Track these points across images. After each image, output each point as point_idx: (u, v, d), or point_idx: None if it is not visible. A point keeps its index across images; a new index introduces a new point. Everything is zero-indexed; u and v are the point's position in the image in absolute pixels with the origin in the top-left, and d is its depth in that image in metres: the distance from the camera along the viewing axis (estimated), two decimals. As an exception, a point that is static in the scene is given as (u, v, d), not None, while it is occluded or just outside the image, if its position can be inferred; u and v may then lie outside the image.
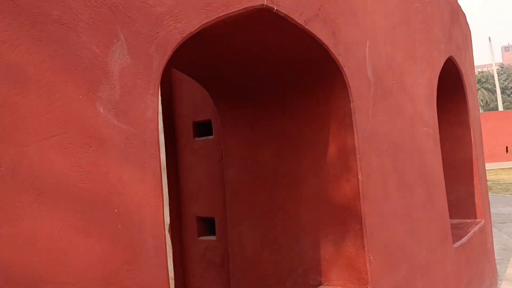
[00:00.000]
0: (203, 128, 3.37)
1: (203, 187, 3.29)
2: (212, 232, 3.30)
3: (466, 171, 4.16)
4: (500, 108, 57.62)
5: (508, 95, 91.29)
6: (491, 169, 20.31)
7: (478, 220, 4.13)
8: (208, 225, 3.36)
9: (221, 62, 2.45)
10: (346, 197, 2.36)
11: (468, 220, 4.15)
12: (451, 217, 3.97)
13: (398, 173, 2.65)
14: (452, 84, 4.03)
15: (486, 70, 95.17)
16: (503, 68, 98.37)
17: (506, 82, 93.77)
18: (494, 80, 61.92)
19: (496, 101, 63.57)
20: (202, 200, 3.29)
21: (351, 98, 2.33)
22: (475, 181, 4.13)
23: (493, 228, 7.01)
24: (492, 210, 8.99)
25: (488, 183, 15.73)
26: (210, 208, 3.24)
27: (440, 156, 3.25)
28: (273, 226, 2.69)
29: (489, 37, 60.79)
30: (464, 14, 4.40)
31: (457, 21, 4.00)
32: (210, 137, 3.25)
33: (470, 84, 4.35)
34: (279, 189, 2.68)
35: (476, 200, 4.13)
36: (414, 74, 3.00)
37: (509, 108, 72.51)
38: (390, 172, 2.58)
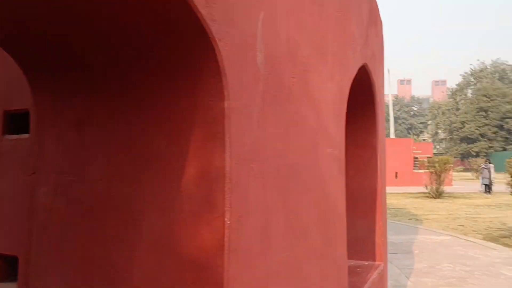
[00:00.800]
0: (18, 122, 2.28)
1: (6, 210, 2.19)
2: (14, 277, 2.21)
3: (369, 204, 3.56)
4: (392, 135, 62.13)
5: (400, 124, 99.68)
6: (382, 193, 21.17)
7: (377, 263, 3.53)
8: (9, 266, 2.26)
9: (38, 27, 1.46)
10: (204, 249, 1.47)
11: (366, 263, 3.53)
12: (347, 257, 3.30)
13: (288, 211, 1.84)
14: (362, 98, 3.40)
15: (384, 101, 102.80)
16: (397, 99, 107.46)
17: (399, 113, 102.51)
18: (389, 109, 66.83)
19: (389, 129, 68.72)
20: (3, 229, 2.20)
21: (226, 93, 1.46)
22: (377, 216, 3.53)
23: (385, 259, 6.64)
24: (383, 237, 8.86)
25: (379, 206, 16.14)
26: (12, 242, 2.15)
27: (344, 186, 2.53)
28: (92, 283, 1.70)
29: (388, 69, 65.52)
30: (381, 22, 3.86)
31: (374, 24, 3.41)
32: (24, 135, 2.18)
33: (381, 102, 3.79)
34: (107, 226, 1.70)
35: (377, 239, 3.53)
36: (323, 75, 2.25)
37: (400, 136, 79.01)
38: (277, 210, 1.75)
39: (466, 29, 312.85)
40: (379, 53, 3.65)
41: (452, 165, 22.13)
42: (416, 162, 25.24)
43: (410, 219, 12.35)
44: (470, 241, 8.53)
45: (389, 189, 22.21)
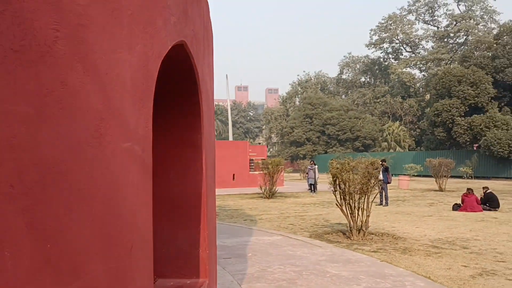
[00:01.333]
0: None
1: None
2: None
3: (192, 211, 3.03)
4: (231, 138, 64.44)
5: (238, 128, 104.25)
6: (219, 195, 21.27)
7: (201, 280, 3.02)
8: None
9: None
10: None
11: (188, 281, 2.99)
12: (166, 275, 2.71)
13: (40, 237, 1.15)
14: (182, 86, 2.86)
15: (222, 104, 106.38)
16: (235, 104, 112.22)
17: (237, 117, 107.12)
18: (227, 113, 69.24)
19: (228, 132, 71.23)
20: None
21: None
22: (202, 226, 3.03)
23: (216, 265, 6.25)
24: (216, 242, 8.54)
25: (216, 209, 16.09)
26: None
27: (151, 193, 1.92)
28: None
29: (226, 75, 67.72)
30: (208, 6, 3.39)
31: (197, 2, 2.91)
32: None
33: (208, 94, 3.31)
34: None
35: (201, 253, 3.02)
36: (115, 39, 1.61)
37: (238, 140, 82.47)
38: (17, 235, 1.06)
39: (295, 41, 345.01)
40: (204, 38, 3.17)
41: (283, 166, 23.50)
42: (252, 164, 26.21)
43: (245, 220, 12.45)
44: (299, 239, 8.79)
45: (226, 191, 22.49)
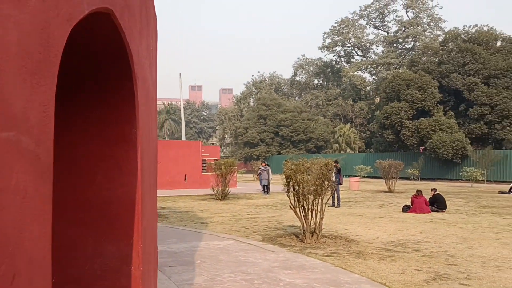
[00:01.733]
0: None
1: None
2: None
3: (123, 220, 2.54)
4: (183, 138, 63.26)
5: (191, 128, 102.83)
6: (170, 196, 20.54)
7: (133, 304, 2.53)
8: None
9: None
10: None
11: (118, 305, 2.50)
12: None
13: None
14: (108, 67, 2.36)
15: (175, 103, 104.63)
16: (189, 103, 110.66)
17: (190, 117, 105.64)
18: (180, 113, 67.97)
19: (181, 132, 69.93)
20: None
21: None
22: (136, 237, 2.53)
23: (161, 274, 5.74)
24: (162, 247, 7.95)
25: (165, 211, 15.44)
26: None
27: (49, 201, 1.41)
28: None
29: (180, 73, 66.48)
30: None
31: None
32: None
33: (147, 82, 2.82)
34: None
35: (134, 270, 2.53)
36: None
37: (191, 140, 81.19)
38: None
39: (250, 42, 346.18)
40: (141, 13, 2.68)
41: (236, 167, 23.08)
42: (204, 165, 25.61)
43: (196, 222, 11.92)
44: (251, 244, 8.40)
45: (178, 192, 21.71)
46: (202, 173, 25.16)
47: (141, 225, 2.53)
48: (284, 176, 9.58)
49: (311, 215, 9.17)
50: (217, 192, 19.45)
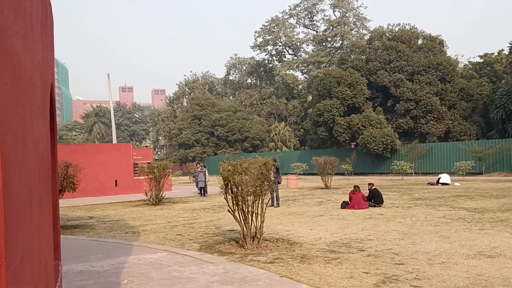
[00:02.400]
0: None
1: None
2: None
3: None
4: (115, 141, 60.45)
5: (123, 131, 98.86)
6: (99, 204, 19.11)
7: None
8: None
9: None
10: None
11: None
12: None
13: None
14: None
15: (104, 106, 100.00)
16: (119, 105, 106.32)
17: (121, 119, 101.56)
18: (110, 115, 64.95)
19: (112, 135, 66.86)
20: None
21: None
22: None
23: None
24: (84, 267, 6.91)
25: (92, 221, 14.18)
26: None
27: None
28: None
29: (108, 74, 63.53)
30: None
31: None
32: None
33: (15, 57, 2.01)
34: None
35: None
36: None
37: (122, 142, 77.89)
38: None
39: (182, 41, 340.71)
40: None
41: (170, 170, 22.04)
42: (136, 169, 24.25)
43: (126, 232, 10.92)
44: (187, 255, 7.64)
45: (108, 199, 20.22)
46: (134, 177, 23.81)
47: (5, 261, 1.75)
48: (221, 178, 8.93)
49: (251, 219, 8.60)
50: (150, 197, 18.37)
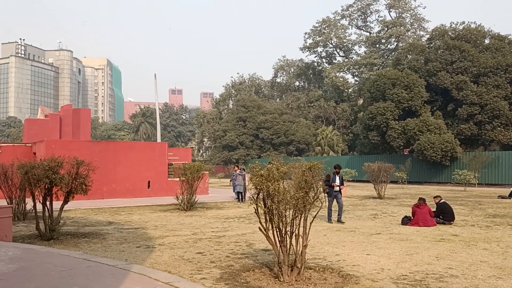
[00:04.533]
0: None
1: None
2: None
3: None
4: (159, 141, 59.92)
5: (169, 132, 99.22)
6: (127, 206, 17.52)
7: None
8: None
9: None
10: None
11: None
12: None
13: None
14: None
15: (152, 107, 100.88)
16: (167, 107, 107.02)
17: (168, 120, 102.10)
18: (156, 115, 64.65)
19: (156, 135, 66.65)
20: None
21: None
22: None
23: None
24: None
25: (109, 228, 12.41)
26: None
27: None
28: None
29: (155, 74, 63.23)
30: None
31: None
32: None
33: None
34: None
35: None
36: None
37: (169, 145, 77.77)
38: None
39: (231, 44, 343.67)
40: None
41: (206, 172, 20.23)
42: (171, 170, 22.60)
43: (139, 246, 9.02)
44: (197, 291, 5.53)
45: (139, 201, 18.33)
46: (169, 179, 22.16)
47: None
48: (250, 180, 6.82)
49: (290, 241, 6.40)
50: (181, 201, 16.56)
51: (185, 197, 16.66)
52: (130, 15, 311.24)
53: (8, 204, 13.16)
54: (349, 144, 58.23)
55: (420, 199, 12.65)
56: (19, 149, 20.80)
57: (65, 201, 10.04)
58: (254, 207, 6.63)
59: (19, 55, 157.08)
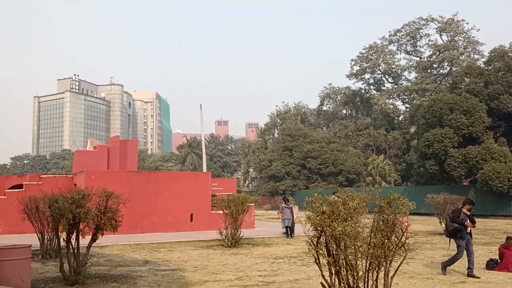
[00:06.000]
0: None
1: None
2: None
3: None
4: (204, 171, 59.33)
5: (215, 162, 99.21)
6: (167, 242, 16.24)
7: None
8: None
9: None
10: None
11: None
12: None
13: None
14: None
15: (198, 138, 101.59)
16: (212, 137, 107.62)
17: (214, 151, 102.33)
18: (201, 145, 64.56)
19: (202, 165, 66.37)
20: None
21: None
22: None
23: None
24: None
25: (144, 268, 11.00)
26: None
27: None
28: None
29: (200, 105, 63.34)
30: None
31: None
32: None
33: None
34: None
35: None
36: None
37: (214, 175, 77.16)
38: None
39: (276, 74, 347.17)
40: None
41: (252, 204, 18.76)
42: (214, 201, 21.29)
43: (174, 295, 7.57)
44: None
45: (181, 236, 16.77)
46: (212, 211, 20.84)
47: None
48: (308, 220, 5.29)
49: (365, 303, 4.75)
50: (225, 237, 15.11)
51: (229, 232, 15.22)
52: (178, 51, 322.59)
53: (40, 240, 12.23)
54: (402, 174, 55.09)
55: (508, 238, 10.50)
56: (61, 180, 20.29)
57: (93, 239, 8.84)
58: (313, 255, 5.05)
59: (74, 90, 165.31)
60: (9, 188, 21.34)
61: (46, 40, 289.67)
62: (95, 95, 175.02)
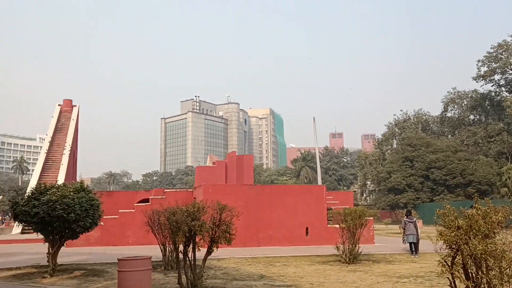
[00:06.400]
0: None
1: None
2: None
3: None
4: (320, 184, 58.53)
5: (330, 176, 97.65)
6: (283, 256, 15.98)
7: None
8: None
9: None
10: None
11: None
12: None
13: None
14: None
15: (313, 151, 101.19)
16: (327, 150, 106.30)
17: (329, 164, 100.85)
18: (315, 158, 63.95)
19: (317, 178, 65.63)
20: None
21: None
22: None
23: None
24: None
25: (258, 284, 10.83)
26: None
27: None
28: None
29: (314, 117, 63.00)
30: None
31: None
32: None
33: None
34: None
35: None
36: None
37: (329, 188, 75.75)
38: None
39: (392, 81, 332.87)
40: None
41: (371, 218, 17.66)
42: (330, 215, 20.55)
43: (288, 314, 7.16)
44: None
45: (297, 250, 16.35)
46: (328, 225, 20.12)
47: None
48: (441, 236, 4.48)
49: None
50: (343, 252, 14.34)
51: (347, 247, 14.42)
52: (289, 67, 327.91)
53: (162, 252, 12.81)
54: (547, 184, 48.08)
55: None
56: (181, 194, 21.40)
57: (208, 252, 8.89)
58: (448, 277, 4.25)
59: (195, 110, 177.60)
60: (138, 202, 23.14)
61: (170, 66, 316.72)
62: (214, 114, 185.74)
